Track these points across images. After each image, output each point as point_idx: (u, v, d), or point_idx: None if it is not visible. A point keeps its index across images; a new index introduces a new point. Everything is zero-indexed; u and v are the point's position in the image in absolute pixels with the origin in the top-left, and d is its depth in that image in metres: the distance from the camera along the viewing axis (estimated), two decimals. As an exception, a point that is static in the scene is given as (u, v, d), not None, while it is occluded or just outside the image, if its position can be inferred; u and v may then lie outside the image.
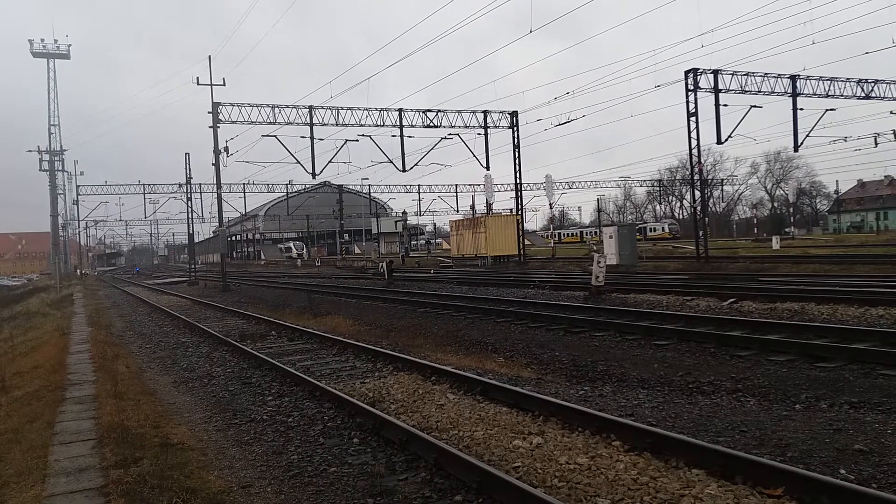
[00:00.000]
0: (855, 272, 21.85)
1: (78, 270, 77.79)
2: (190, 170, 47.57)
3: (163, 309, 23.96)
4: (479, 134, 41.18)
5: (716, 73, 32.36)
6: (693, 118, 31.73)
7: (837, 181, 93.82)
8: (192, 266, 50.87)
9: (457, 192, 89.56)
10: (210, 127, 34.94)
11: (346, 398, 7.86)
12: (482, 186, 54.10)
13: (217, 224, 40.04)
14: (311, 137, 36.61)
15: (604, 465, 5.32)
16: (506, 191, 76.22)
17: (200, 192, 68.31)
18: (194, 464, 6.10)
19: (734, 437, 5.99)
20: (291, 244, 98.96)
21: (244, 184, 74.02)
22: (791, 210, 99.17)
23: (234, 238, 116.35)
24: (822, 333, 10.57)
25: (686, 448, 5.37)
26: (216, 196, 37.49)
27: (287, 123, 36.39)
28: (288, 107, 36.44)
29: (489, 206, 58.69)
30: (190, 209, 50.27)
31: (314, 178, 38.63)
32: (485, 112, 40.99)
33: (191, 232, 53.67)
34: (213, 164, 35.72)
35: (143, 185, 72.86)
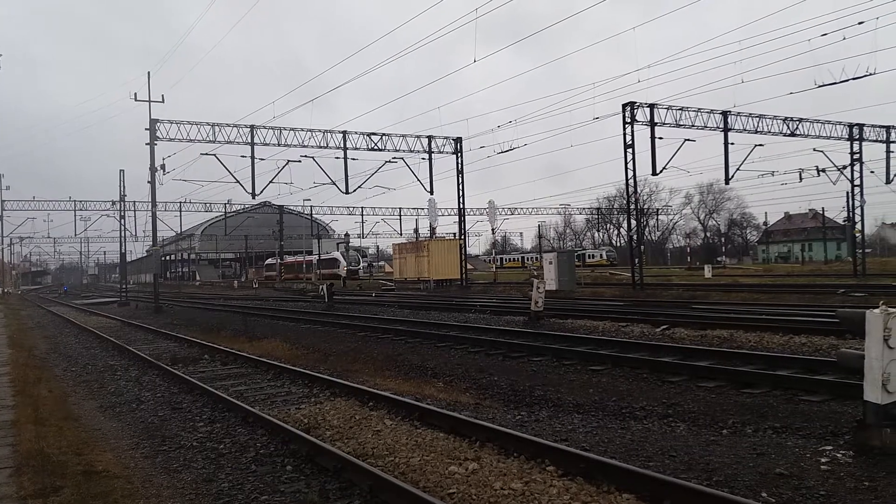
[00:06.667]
0: (781, 301, 22.79)
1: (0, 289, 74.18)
2: (124, 187, 46.28)
3: (91, 330, 23.06)
4: (423, 158, 41.48)
5: (652, 107, 33.49)
6: (630, 150, 32.72)
7: (766, 213, 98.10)
8: (124, 286, 49.22)
9: (400, 216, 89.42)
10: (147, 144, 34.12)
11: (280, 424, 7.71)
12: (426, 210, 54.36)
13: (151, 243, 38.90)
14: (252, 157, 36.08)
15: (537, 490, 5.36)
16: (450, 215, 76.69)
17: (135, 210, 66.32)
18: (119, 492, 5.86)
19: (664, 462, 6.13)
20: (338, 254, 72.03)
21: (181, 202, 72.09)
22: (723, 240, 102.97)
23: (168, 258, 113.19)
24: (749, 360, 10.95)
25: (617, 473, 5.47)
26: (151, 214, 36.49)
27: (227, 142, 35.83)
28: (228, 125, 35.93)
29: (433, 230, 58.95)
30: (123, 227, 48.80)
31: (254, 198, 38.03)
32: (429, 137, 41.33)
33: (123, 251, 52.09)
34: (148, 182, 34.85)
35: (74, 201, 70.20)
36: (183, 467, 6.72)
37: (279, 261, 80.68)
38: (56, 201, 70.77)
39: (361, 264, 69.34)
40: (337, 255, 71.72)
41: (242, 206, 79.98)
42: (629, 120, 32.73)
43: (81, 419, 9.20)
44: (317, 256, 70.62)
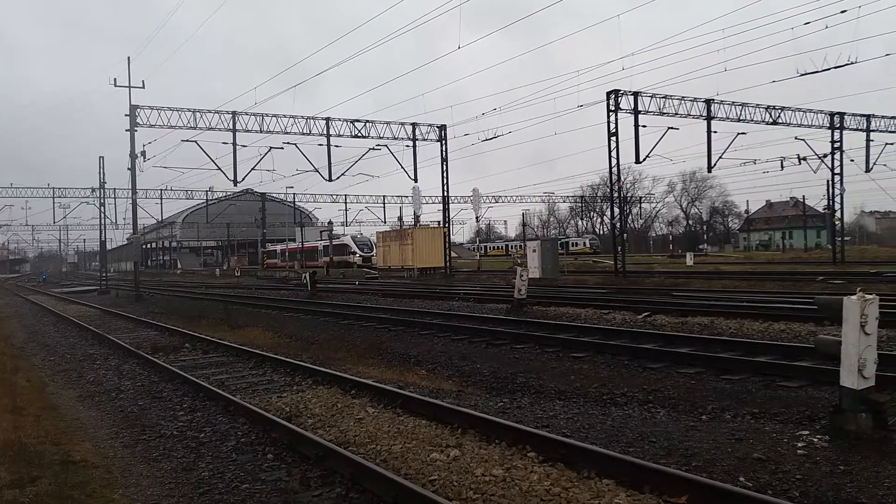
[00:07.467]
0: (762, 288, 23.04)
1: (-23, 277, 73.21)
2: (104, 174, 45.56)
3: (70, 319, 22.81)
4: (407, 146, 41.27)
5: (636, 94, 33.49)
6: (613, 137, 32.77)
7: (748, 201, 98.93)
8: (104, 274, 48.74)
9: (384, 203, 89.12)
10: (127, 130, 33.66)
11: (262, 413, 7.68)
12: (410, 198, 54.14)
13: (131, 231, 38.49)
14: (234, 144, 35.66)
15: (518, 476, 5.39)
16: (434, 203, 76.51)
17: (115, 198, 65.57)
18: (98, 482, 5.82)
19: (644, 448, 6.18)
20: (349, 240, 65.27)
21: (161, 189, 71.16)
22: (705, 228, 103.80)
23: (149, 246, 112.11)
24: (729, 347, 11.06)
25: (597, 458, 5.50)
26: (131, 202, 36.11)
27: (209, 129, 35.34)
28: (210, 112, 35.45)
29: (417, 218, 58.85)
30: (103, 215, 48.22)
31: (236, 185, 37.67)
32: (413, 124, 41.08)
33: (103, 239, 51.48)
34: (129, 169, 34.43)
35: (53, 188, 69.16)
36: (163, 456, 6.67)
37: (286, 247, 75.33)
38: (34, 188, 69.63)
39: (374, 251, 62.86)
40: (348, 240, 66.87)
41: (224, 194, 79.10)
42: (613, 108, 32.70)
43: (60, 408, 9.12)
44: (324, 242, 65.93)
